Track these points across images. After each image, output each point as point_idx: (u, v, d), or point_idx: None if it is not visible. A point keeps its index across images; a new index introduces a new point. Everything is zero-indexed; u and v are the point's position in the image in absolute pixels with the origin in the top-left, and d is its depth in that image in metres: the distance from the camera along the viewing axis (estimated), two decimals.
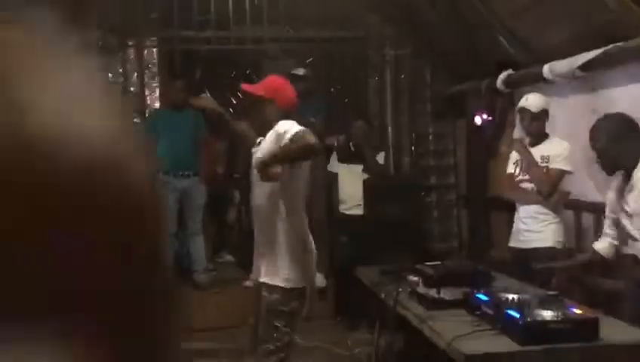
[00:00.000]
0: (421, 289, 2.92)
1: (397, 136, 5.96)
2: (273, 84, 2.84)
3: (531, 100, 3.70)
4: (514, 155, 3.90)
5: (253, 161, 2.74)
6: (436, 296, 2.79)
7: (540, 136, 3.75)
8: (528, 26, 4.41)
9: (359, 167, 5.16)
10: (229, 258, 6.34)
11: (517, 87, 4.73)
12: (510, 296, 2.51)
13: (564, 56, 4.05)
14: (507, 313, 2.32)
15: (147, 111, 5.55)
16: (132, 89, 5.51)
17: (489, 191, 5.41)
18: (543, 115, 3.70)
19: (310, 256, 2.74)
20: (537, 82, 4.36)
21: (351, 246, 5.14)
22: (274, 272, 2.64)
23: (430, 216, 5.94)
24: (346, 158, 5.23)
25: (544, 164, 3.64)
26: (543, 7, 4.04)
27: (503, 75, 4.77)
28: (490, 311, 2.44)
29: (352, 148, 5.21)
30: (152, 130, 5.22)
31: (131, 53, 5.51)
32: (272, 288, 2.63)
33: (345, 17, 5.72)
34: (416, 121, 5.99)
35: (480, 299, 2.59)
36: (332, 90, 6.46)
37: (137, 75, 5.50)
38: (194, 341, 4.89)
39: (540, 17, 4.15)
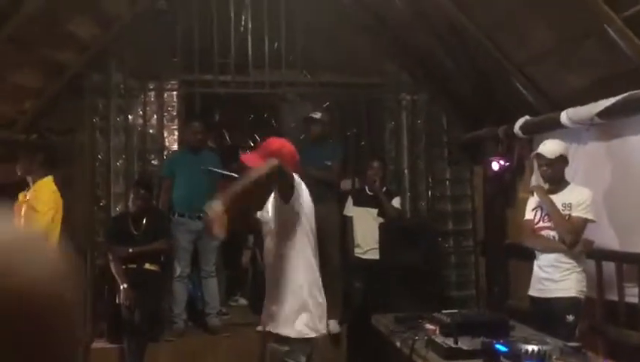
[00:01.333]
0: (438, 337, 2.84)
1: (413, 180, 5.93)
2: (269, 148, 2.78)
3: (548, 146, 3.66)
4: (532, 201, 3.83)
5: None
6: (453, 345, 2.71)
7: (559, 183, 3.68)
8: (546, 73, 4.42)
9: (375, 211, 5.12)
10: (242, 301, 6.26)
11: (535, 133, 4.71)
12: (530, 347, 2.43)
13: (582, 103, 4.04)
14: None
15: (165, 153, 5.59)
16: (151, 131, 5.58)
17: (507, 238, 5.32)
18: (561, 161, 3.65)
19: (321, 306, 2.68)
20: (555, 128, 4.33)
21: (366, 291, 5.06)
22: (283, 322, 2.59)
23: (447, 262, 5.85)
24: (361, 202, 5.20)
25: (566, 212, 3.57)
26: (562, 54, 4.05)
27: (520, 121, 4.75)
28: None
29: (369, 192, 5.19)
30: (169, 172, 5.25)
31: (152, 95, 5.60)
32: (281, 339, 2.59)
33: (361, 63, 5.80)
34: (432, 165, 5.97)
35: (499, 350, 2.50)
36: (348, 133, 6.49)
37: (157, 117, 5.58)
38: None
39: (558, 64, 4.16)
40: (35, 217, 3.84)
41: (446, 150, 6.02)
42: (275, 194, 2.66)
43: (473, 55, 4.94)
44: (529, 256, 3.94)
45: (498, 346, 2.54)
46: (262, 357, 2.73)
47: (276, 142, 2.87)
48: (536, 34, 4.24)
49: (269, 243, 2.73)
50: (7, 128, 5.02)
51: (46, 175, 4.08)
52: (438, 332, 2.94)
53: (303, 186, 2.66)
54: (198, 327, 5.35)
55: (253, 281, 6.04)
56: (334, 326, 5.17)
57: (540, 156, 3.69)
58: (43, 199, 3.97)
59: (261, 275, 5.40)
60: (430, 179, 5.97)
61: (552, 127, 4.37)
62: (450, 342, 2.74)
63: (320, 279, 2.72)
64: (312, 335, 2.63)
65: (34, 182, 4.06)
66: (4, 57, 4.29)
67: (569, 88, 4.30)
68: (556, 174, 3.66)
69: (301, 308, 2.60)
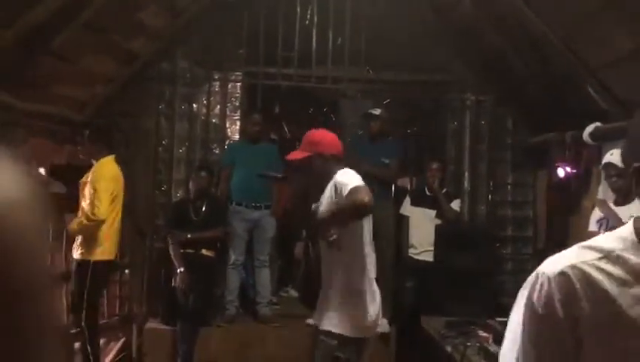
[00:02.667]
0: (492, 346, 2.76)
1: (474, 183, 5.80)
2: (309, 139, 2.86)
3: (617, 155, 3.49)
4: (597, 213, 3.68)
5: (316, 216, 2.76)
6: None
7: (627, 195, 3.50)
8: (622, 78, 4.20)
9: (432, 212, 5.04)
10: (292, 293, 6.31)
11: (604, 140, 4.50)
12: None
13: None
14: None
15: (227, 142, 5.69)
16: (214, 120, 5.68)
17: (568, 247, 5.12)
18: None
19: (376, 306, 2.67)
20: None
21: (417, 292, 5.00)
22: (336, 320, 2.61)
23: (504, 268, 5.69)
24: (419, 202, 5.13)
25: None
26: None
27: (590, 127, 4.55)
28: None
29: (428, 193, 5.10)
30: (229, 161, 5.34)
31: (216, 85, 5.70)
32: (331, 334, 2.60)
33: (425, 61, 5.71)
34: (494, 169, 5.82)
35: None
36: (409, 131, 6.41)
37: (220, 107, 5.68)
38: None
39: (636, 69, 3.95)
40: (95, 196, 3.97)
41: (509, 153, 5.85)
42: (331, 194, 2.65)
43: (546, 57, 4.76)
44: None
45: None
46: (313, 354, 2.75)
47: (317, 134, 2.90)
48: (614, 38, 4.04)
49: (323, 242, 2.72)
50: (78, 112, 5.23)
51: (106, 155, 4.21)
52: (491, 340, 2.86)
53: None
54: (249, 315, 5.43)
55: (304, 274, 6.07)
56: (384, 325, 5.12)
57: (609, 166, 3.52)
58: (104, 177, 4.09)
59: (313, 268, 5.44)
60: (491, 183, 5.82)
61: (624, 136, 4.16)
62: None
63: (375, 280, 2.71)
64: (365, 335, 2.63)
65: (93, 161, 4.20)
66: (79, 43, 4.46)
67: None
68: (627, 186, 3.49)
69: (356, 307, 2.61)
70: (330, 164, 2.75)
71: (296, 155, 2.84)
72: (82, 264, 4.06)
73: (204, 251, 4.99)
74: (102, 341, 4.38)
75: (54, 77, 4.51)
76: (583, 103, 4.79)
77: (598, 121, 4.56)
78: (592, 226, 3.68)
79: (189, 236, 4.93)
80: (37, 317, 0.50)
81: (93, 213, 3.97)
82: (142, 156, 5.52)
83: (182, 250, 4.92)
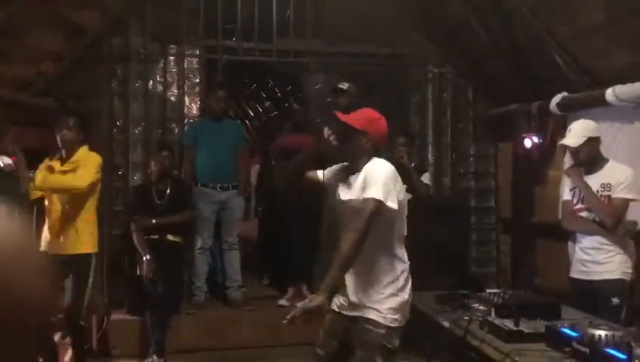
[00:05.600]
0: (496, 319, 2.75)
1: (437, 155, 5.82)
2: (366, 115, 2.65)
3: (571, 137, 3.45)
4: (567, 181, 3.71)
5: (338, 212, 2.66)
6: (515, 327, 2.62)
7: (596, 163, 3.51)
8: (591, 49, 4.27)
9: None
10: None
11: (572, 110, 4.59)
12: (604, 333, 2.34)
13: (626, 81, 3.91)
14: (609, 353, 2.15)
15: (186, 121, 5.41)
16: (172, 98, 5.39)
17: (534, 217, 5.25)
18: (589, 143, 3.43)
19: (410, 293, 2.62)
20: (597, 106, 4.21)
21: None
22: (382, 308, 2.51)
23: (468, 239, 5.77)
24: None
25: (606, 193, 3.44)
26: (611, 30, 3.91)
27: (557, 98, 4.63)
28: (584, 349, 2.27)
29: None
30: (191, 141, 5.09)
31: (172, 61, 5.39)
32: (377, 323, 2.51)
33: (387, 34, 5.62)
34: (457, 141, 5.85)
35: (568, 335, 2.42)
36: (371, 105, 6.32)
37: (177, 84, 5.39)
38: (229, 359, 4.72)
39: (606, 40, 4.03)
40: (81, 170, 3.69)
41: (471, 125, 5.90)
42: (362, 185, 2.52)
43: (512, 28, 4.78)
44: (558, 235, 3.84)
45: (566, 330, 2.45)
46: (327, 340, 2.65)
47: (376, 115, 2.67)
48: (581, 9, 4.09)
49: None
50: (22, 90, 4.82)
51: (82, 145, 3.94)
52: (493, 313, 2.85)
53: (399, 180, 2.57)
54: (217, 300, 5.27)
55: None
56: None
57: (565, 146, 3.53)
58: (95, 164, 3.86)
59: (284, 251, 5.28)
60: (454, 155, 5.86)
61: (593, 105, 4.25)
62: (509, 323, 2.66)
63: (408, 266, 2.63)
64: (404, 323, 2.58)
65: (72, 151, 3.88)
66: (22, 16, 4.08)
67: (614, 66, 4.17)
68: (588, 157, 3.48)
69: (396, 295, 2.53)
70: (367, 150, 2.57)
71: (347, 118, 2.57)
72: (80, 258, 3.82)
73: (169, 236, 4.75)
74: (57, 336, 4.08)
75: None
76: (548, 74, 4.86)
77: (563, 90, 4.64)
78: (566, 195, 3.71)
79: (153, 221, 4.68)
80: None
81: (75, 181, 3.70)
82: (95, 138, 5.15)
83: (146, 237, 4.67)
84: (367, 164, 2.55)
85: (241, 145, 5.23)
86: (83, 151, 3.91)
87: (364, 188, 2.47)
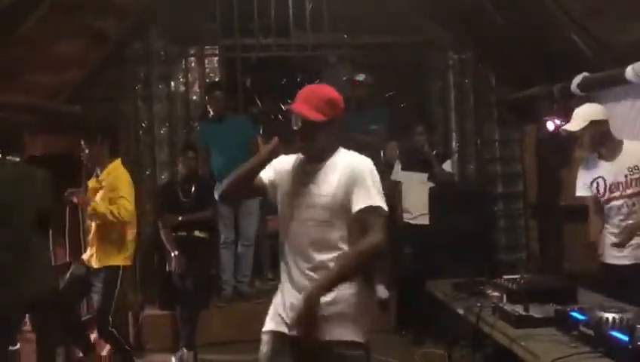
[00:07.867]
0: (506, 305, 2.74)
1: (461, 142, 5.76)
2: (329, 98, 2.13)
3: (572, 123, 3.30)
4: (583, 175, 3.48)
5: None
6: (524, 313, 2.61)
7: (609, 147, 3.31)
8: (607, 24, 4.15)
9: (424, 176, 4.98)
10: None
11: (594, 90, 4.48)
12: (611, 316, 2.31)
13: None
14: (612, 335, 2.12)
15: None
16: (194, 98, 5.51)
17: (562, 200, 5.14)
18: (592, 126, 3.24)
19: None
20: (616, 85, 4.10)
21: (415, 257, 4.97)
22: (357, 327, 2.17)
23: (496, 225, 5.71)
24: (410, 166, 5.06)
25: (636, 176, 3.31)
26: (624, 2, 3.78)
27: (578, 78, 4.52)
28: (589, 332, 2.25)
29: (418, 156, 5.02)
30: (203, 142, 5.19)
31: (193, 61, 5.51)
32: (353, 344, 2.15)
33: (403, 23, 5.58)
34: (481, 126, 5.78)
35: (576, 318, 2.39)
36: (392, 95, 6.31)
37: (199, 84, 5.50)
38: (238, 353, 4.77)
39: (621, 13, 3.90)
40: (121, 203, 3.77)
41: (495, 110, 5.81)
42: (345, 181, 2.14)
43: (526, 8, 4.69)
44: (586, 218, 3.72)
45: (574, 314, 2.43)
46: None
47: (334, 93, 2.16)
48: None
49: (312, 229, 2.13)
50: (51, 99, 5.01)
51: (113, 158, 4.00)
52: (505, 299, 2.83)
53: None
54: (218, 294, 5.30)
55: None
56: (382, 291, 5.12)
57: (567, 132, 3.35)
58: (126, 183, 3.90)
59: None
60: (479, 141, 5.79)
61: (614, 84, 4.14)
62: (519, 309, 2.64)
63: None
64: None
65: (103, 166, 3.96)
66: (46, 27, 4.24)
67: (632, 40, 4.03)
68: (592, 141, 3.30)
69: (367, 309, 2.23)
70: (335, 138, 2.17)
71: (310, 114, 2.07)
72: (109, 270, 3.88)
73: (197, 233, 4.87)
74: (93, 335, 4.23)
75: (23, 64, 4.30)
76: (566, 54, 4.75)
77: (583, 71, 4.53)
78: (580, 191, 3.51)
79: (180, 219, 4.81)
80: None
81: (119, 213, 3.74)
82: (122, 141, 5.33)
83: (174, 234, 4.81)
84: (340, 156, 2.17)
85: (253, 136, 5.25)
86: (116, 170, 3.94)
87: (347, 187, 2.09)
